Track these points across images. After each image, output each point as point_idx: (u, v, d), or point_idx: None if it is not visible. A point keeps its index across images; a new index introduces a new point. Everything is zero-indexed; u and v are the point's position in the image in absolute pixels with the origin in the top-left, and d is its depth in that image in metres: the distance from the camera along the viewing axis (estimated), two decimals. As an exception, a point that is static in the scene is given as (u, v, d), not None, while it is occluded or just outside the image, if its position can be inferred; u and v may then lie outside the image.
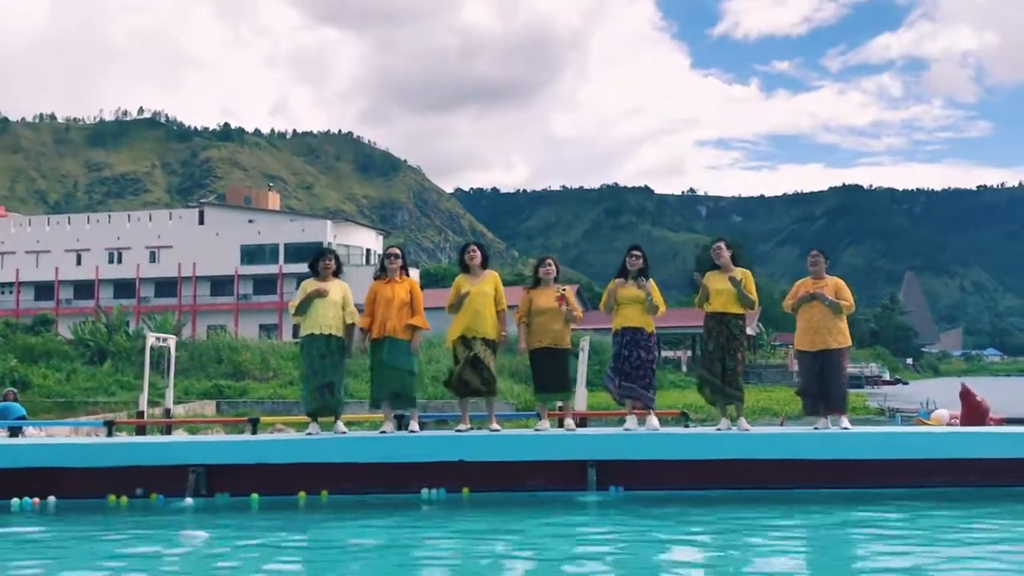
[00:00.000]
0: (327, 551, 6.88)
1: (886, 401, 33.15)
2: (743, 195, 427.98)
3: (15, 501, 8.48)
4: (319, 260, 9.63)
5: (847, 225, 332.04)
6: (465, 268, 9.79)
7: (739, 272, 9.71)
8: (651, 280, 9.82)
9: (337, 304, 9.40)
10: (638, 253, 9.84)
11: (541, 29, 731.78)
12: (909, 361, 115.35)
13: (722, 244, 9.90)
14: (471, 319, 9.47)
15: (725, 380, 9.56)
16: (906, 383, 74.61)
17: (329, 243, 75.39)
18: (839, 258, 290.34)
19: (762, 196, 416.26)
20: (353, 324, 9.46)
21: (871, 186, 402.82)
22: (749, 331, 61.60)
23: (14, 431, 14.03)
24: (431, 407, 28.94)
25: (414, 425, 9.60)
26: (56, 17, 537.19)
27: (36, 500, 8.54)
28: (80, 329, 48.43)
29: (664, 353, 61.48)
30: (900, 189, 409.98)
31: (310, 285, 9.54)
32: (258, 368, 45.16)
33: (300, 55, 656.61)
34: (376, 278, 9.75)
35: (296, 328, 10.37)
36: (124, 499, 8.65)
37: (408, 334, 9.43)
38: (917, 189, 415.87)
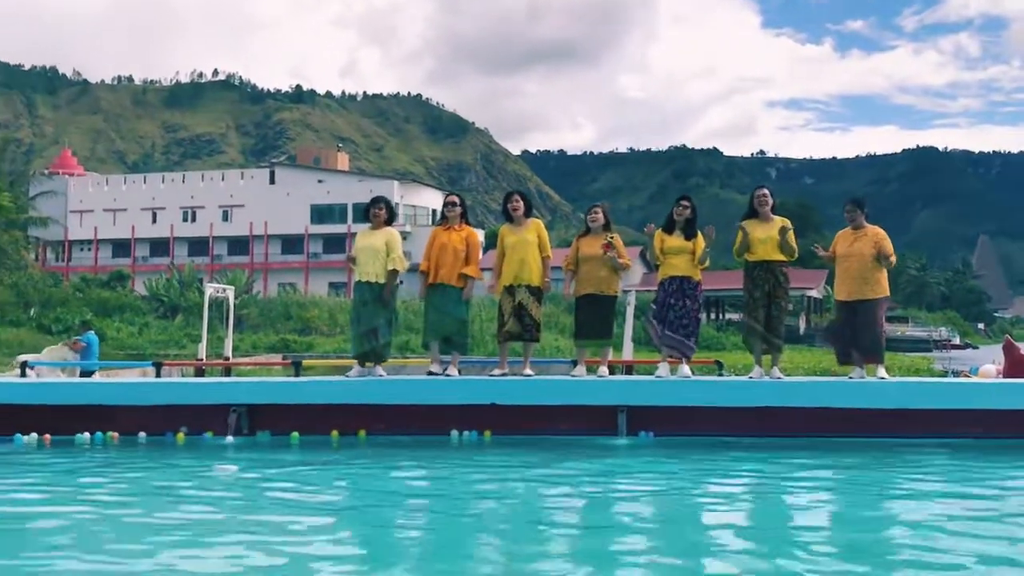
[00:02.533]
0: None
1: (951, 364, 32.56)
2: (814, 157, 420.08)
3: (79, 436, 8.94)
4: (370, 208, 9.88)
5: (921, 188, 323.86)
6: (508, 218, 9.95)
7: (780, 221, 9.71)
8: (709, 228, 9.83)
9: (380, 251, 9.61)
10: (686, 203, 9.83)
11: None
12: (981, 326, 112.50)
13: (767, 191, 9.89)
14: (516, 267, 9.62)
15: (768, 328, 9.60)
16: (976, 347, 72.79)
17: (396, 203, 76.14)
18: (912, 221, 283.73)
19: (834, 158, 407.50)
20: (394, 271, 9.68)
21: (946, 148, 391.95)
22: (816, 293, 60.27)
23: (86, 373, 14.73)
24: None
25: (452, 371, 9.80)
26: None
27: (87, 435, 8.98)
28: (154, 285, 49.70)
29: (728, 315, 60.97)
30: (976, 152, 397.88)
31: (359, 236, 9.86)
32: (325, 324, 45.92)
33: (368, 16, 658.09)
34: (438, 225, 10.00)
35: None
36: (180, 435, 9.02)
37: (461, 282, 9.65)
38: (994, 152, 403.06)
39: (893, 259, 9.56)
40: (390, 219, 9.98)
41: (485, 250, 43.38)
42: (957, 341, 74.79)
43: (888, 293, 9.69)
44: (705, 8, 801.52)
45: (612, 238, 9.84)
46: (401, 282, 9.85)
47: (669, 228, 9.85)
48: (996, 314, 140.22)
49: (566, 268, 9.99)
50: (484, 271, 10.14)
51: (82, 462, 8.19)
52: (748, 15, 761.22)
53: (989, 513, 6.20)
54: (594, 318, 9.80)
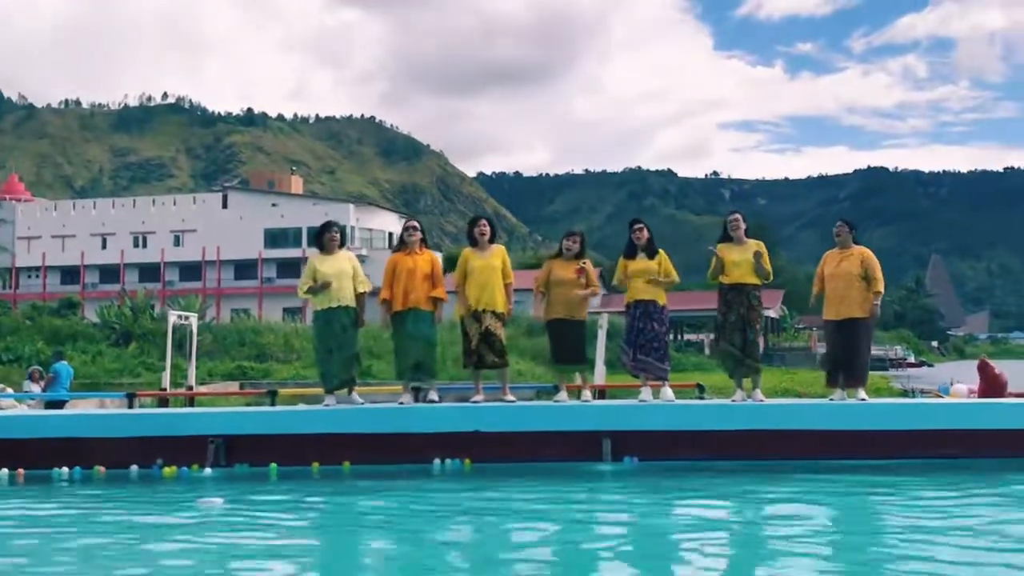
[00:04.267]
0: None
1: (910, 383, 32.95)
2: (767, 178, 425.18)
3: (56, 470, 8.66)
4: (323, 234, 9.74)
5: (872, 208, 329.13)
6: (473, 242, 9.86)
7: (754, 244, 9.73)
8: (661, 252, 9.84)
9: (349, 275, 9.50)
10: (640, 226, 9.89)
11: (562, 11, 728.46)
12: (935, 344, 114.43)
13: (739, 216, 9.91)
14: (480, 292, 9.54)
15: (745, 351, 9.59)
16: (931, 365, 74.01)
17: (352, 226, 75.75)
18: (864, 241, 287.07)
19: (786, 179, 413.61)
20: (364, 293, 9.55)
21: (896, 168, 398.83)
22: (773, 314, 60.77)
23: (56, 405, 14.32)
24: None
25: (433, 396, 9.66)
26: (78, 1, 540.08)
27: (65, 469, 8.70)
28: (106, 312, 48.80)
29: (687, 336, 61.26)
30: (926, 171, 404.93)
31: (318, 262, 9.63)
32: (281, 350, 45.35)
33: (319, 38, 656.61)
34: (396, 251, 9.85)
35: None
36: (169, 469, 8.75)
37: (431, 306, 9.52)
38: (943, 171, 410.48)
39: (880, 286, 9.53)
40: (342, 242, 9.91)
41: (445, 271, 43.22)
42: (912, 360, 75.85)
43: (875, 315, 9.65)
44: (657, 31, 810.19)
45: (584, 263, 9.81)
46: None
47: (631, 253, 9.83)
48: (949, 332, 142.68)
49: (536, 291, 9.93)
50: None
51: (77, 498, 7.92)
52: (700, 38, 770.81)
53: (986, 532, 6.17)
54: (567, 343, 9.76)
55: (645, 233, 9.79)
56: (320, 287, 9.43)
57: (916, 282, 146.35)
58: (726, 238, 9.86)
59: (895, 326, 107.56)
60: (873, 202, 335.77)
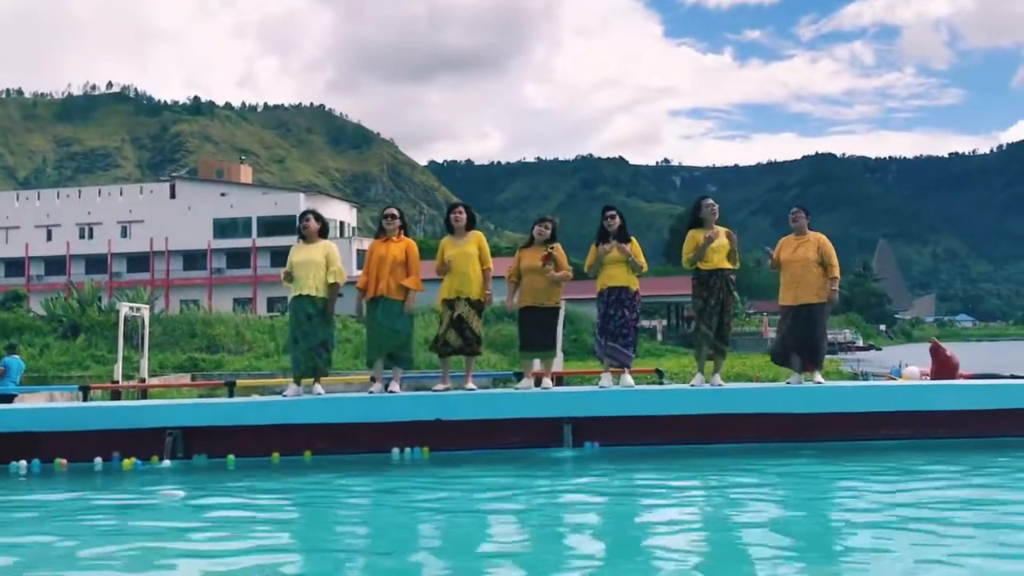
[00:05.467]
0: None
1: (859, 366, 33.44)
2: (717, 165, 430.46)
3: (13, 464, 8.52)
4: (300, 222, 9.67)
5: (820, 194, 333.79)
6: (450, 229, 9.82)
7: (723, 231, 9.82)
8: (633, 239, 9.88)
9: (320, 264, 9.40)
10: (613, 212, 9.94)
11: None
12: (882, 328, 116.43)
13: (712, 201, 10.00)
14: (455, 280, 9.52)
15: (719, 335, 9.70)
16: (879, 349, 75.25)
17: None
18: (812, 227, 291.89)
19: (736, 166, 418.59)
20: (335, 284, 9.46)
21: (844, 155, 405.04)
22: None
23: (6, 398, 14.06)
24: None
25: (395, 386, 9.61)
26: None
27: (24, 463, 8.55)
28: (52, 304, 48.00)
29: (641, 322, 61.61)
30: (873, 157, 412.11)
31: (293, 251, 9.61)
32: (232, 341, 44.93)
33: (266, 25, 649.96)
34: (375, 238, 9.81)
35: (270, 301, 10.28)
36: (130, 462, 8.62)
37: (401, 294, 9.45)
38: (889, 157, 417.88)
39: (837, 271, 9.72)
40: (323, 231, 9.76)
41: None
42: (861, 343, 77.06)
43: (832, 300, 9.78)
44: (608, 19, 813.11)
45: (552, 248, 9.80)
46: (341, 294, 9.61)
47: (602, 239, 9.86)
48: (896, 316, 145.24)
49: (508, 279, 9.92)
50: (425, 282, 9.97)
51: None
52: (650, 25, 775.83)
53: (930, 513, 6.27)
54: (536, 330, 9.78)
55: (617, 220, 9.84)
56: (286, 276, 9.41)
57: (864, 267, 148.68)
58: (696, 223, 9.92)
59: (844, 310, 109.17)
60: (821, 188, 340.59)
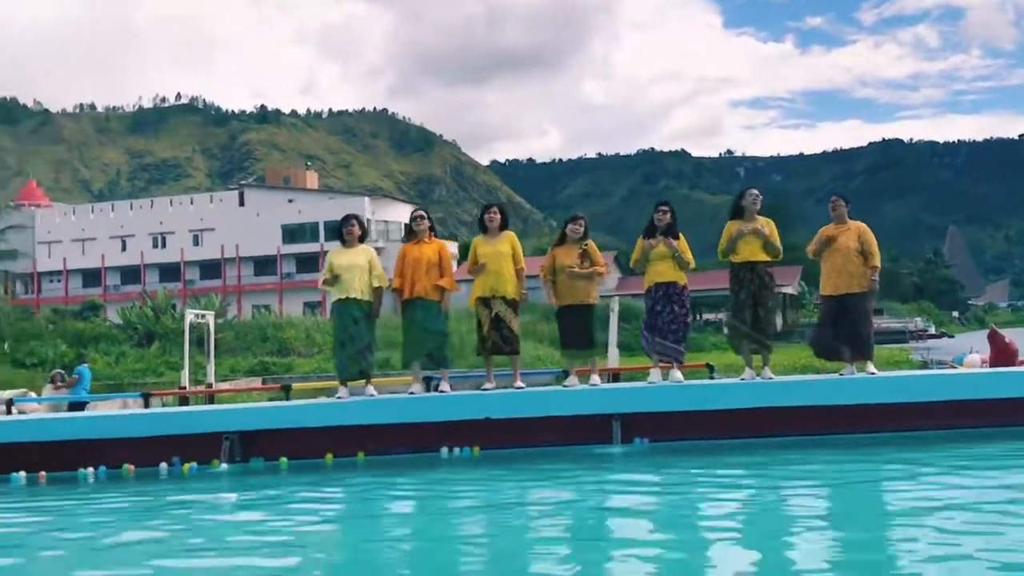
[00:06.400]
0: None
1: (929, 354, 32.81)
2: (781, 154, 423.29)
3: (81, 471, 8.84)
4: (343, 227, 9.83)
5: (888, 180, 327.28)
6: (484, 229, 9.93)
7: (763, 221, 9.75)
8: (681, 236, 9.87)
9: (364, 268, 9.57)
10: (665, 208, 9.90)
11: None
12: (955, 315, 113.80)
13: (757, 191, 9.94)
14: (490, 279, 9.59)
15: (757, 328, 9.62)
16: (952, 336, 73.43)
17: (368, 219, 75.99)
18: (880, 214, 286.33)
19: (801, 154, 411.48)
20: (380, 287, 9.64)
21: (911, 140, 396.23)
22: (791, 290, 60.25)
23: (78, 406, 14.56)
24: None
25: (444, 386, 9.74)
26: (89, 6, 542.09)
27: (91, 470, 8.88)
28: (127, 313, 49.21)
29: (706, 315, 61.14)
30: (941, 142, 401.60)
31: (334, 254, 9.75)
32: (303, 344, 45.61)
33: (328, 32, 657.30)
34: (404, 241, 9.95)
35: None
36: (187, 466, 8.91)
37: (438, 295, 9.58)
38: (958, 141, 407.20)
39: (877, 260, 9.57)
40: (363, 236, 9.94)
41: (459, 262, 43.40)
42: (933, 331, 75.42)
43: (874, 288, 9.67)
44: (665, 11, 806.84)
45: (587, 245, 9.85)
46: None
47: (650, 234, 9.87)
48: (969, 302, 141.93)
49: (544, 278, 9.97)
50: (459, 282, 10.09)
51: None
52: (709, 16, 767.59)
53: (996, 504, 6.17)
54: (575, 328, 9.80)
55: (668, 216, 9.81)
56: (332, 279, 9.53)
57: (934, 253, 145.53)
58: (737, 214, 9.87)
59: (915, 298, 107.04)
60: (889, 174, 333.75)
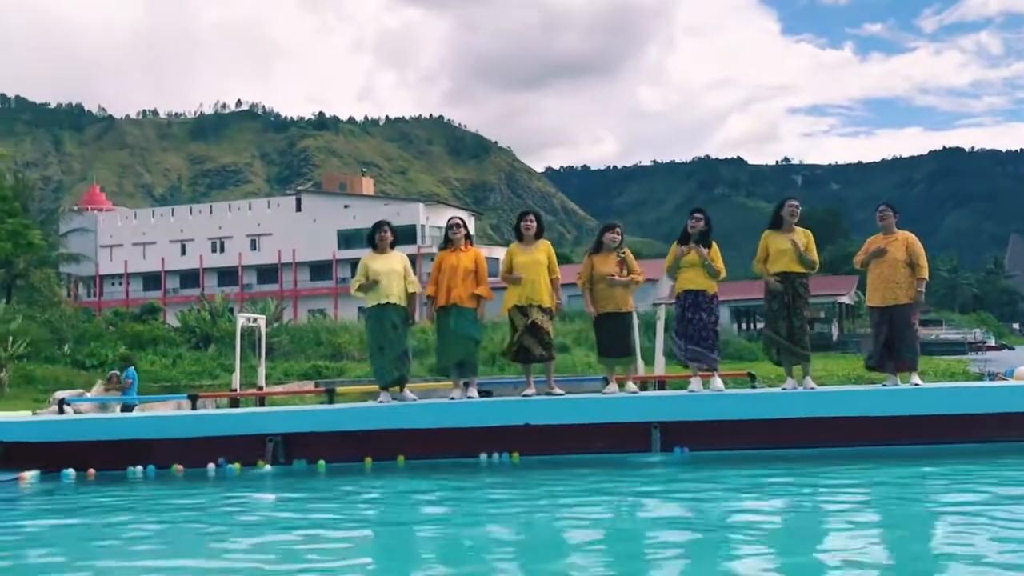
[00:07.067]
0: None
1: (986, 366, 32.21)
2: (840, 162, 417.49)
3: (131, 470, 9.11)
4: (375, 233, 9.96)
5: (948, 188, 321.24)
6: (519, 237, 9.99)
7: (800, 233, 9.72)
8: (714, 244, 9.88)
9: (400, 274, 9.70)
10: (699, 215, 9.91)
11: (624, 0, 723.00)
12: (1015, 326, 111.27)
13: (797, 202, 9.92)
14: (527, 287, 9.65)
15: (792, 339, 9.59)
16: (1012, 348, 71.79)
17: (422, 225, 76.54)
18: (940, 223, 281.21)
19: (859, 162, 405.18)
20: (415, 293, 9.76)
21: (973, 148, 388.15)
22: (847, 300, 59.28)
23: (127, 407, 14.91)
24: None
25: (473, 392, 9.79)
26: (152, 13, 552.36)
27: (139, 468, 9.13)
28: (185, 316, 50.08)
29: (758, 326, 60.59)
30: (1003, 150, 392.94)
31: (369, 260, 9.86)
32: (356, 348, 46.02)
33: (384, 39, 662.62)
34: (441, 249, 10.05)
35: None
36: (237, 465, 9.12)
37: (474, 303, 9.67)
38: (1021, 150, 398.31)
39: (926, 272, 9.49)
40: (395, 242, 10.09)
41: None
42: (992, 342, 73.91)
43: (921, 299, 9.59)
44: (722, 17, 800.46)
45: (624, 253, 9.88)
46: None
47: (684, 241, 9.90)
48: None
49: (582, 287, 10.02)
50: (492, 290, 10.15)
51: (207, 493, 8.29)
52: (766, 23, 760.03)
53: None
54: (612, 336, 9.86)
55: (702, 223, 9.82)
56: (369, 284, 9.63)
57: (995, 263, 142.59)
58: (776, 224, 9.85)
59: (974, 309, 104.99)
60: (950, 183, 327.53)
